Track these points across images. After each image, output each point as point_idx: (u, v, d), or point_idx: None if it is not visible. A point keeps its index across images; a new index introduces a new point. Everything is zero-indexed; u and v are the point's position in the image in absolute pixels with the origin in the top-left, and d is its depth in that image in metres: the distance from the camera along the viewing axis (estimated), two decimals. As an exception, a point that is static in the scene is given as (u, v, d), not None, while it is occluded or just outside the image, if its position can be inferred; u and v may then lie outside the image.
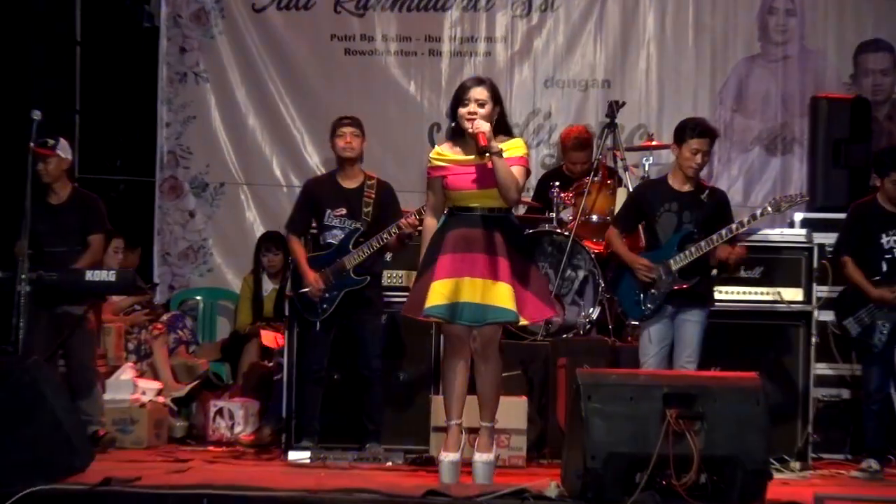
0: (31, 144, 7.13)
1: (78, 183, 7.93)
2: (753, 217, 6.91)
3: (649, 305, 6.97)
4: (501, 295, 5.90)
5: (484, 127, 5.91)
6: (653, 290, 6.95)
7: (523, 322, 6.08)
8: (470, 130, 5.94)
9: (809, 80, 9.88)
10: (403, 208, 7.40)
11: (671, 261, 6.92)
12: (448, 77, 9.93)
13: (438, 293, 5.93)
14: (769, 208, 6.95)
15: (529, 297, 5.99)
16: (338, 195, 7.36)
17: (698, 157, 6.91)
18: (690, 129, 6.94)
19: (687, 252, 6.91)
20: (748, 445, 5.45)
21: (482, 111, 5.97)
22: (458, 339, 6.02)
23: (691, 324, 6.95)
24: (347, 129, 7.35)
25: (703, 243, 6.89)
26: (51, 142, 7.44)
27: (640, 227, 7.19)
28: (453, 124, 6.09)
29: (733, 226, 6.89)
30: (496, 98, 6.06)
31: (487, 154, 5.88)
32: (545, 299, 6.09)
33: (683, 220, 6.97)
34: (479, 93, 6.01)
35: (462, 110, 5.99)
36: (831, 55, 9.92)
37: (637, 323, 7.08)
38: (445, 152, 6.11)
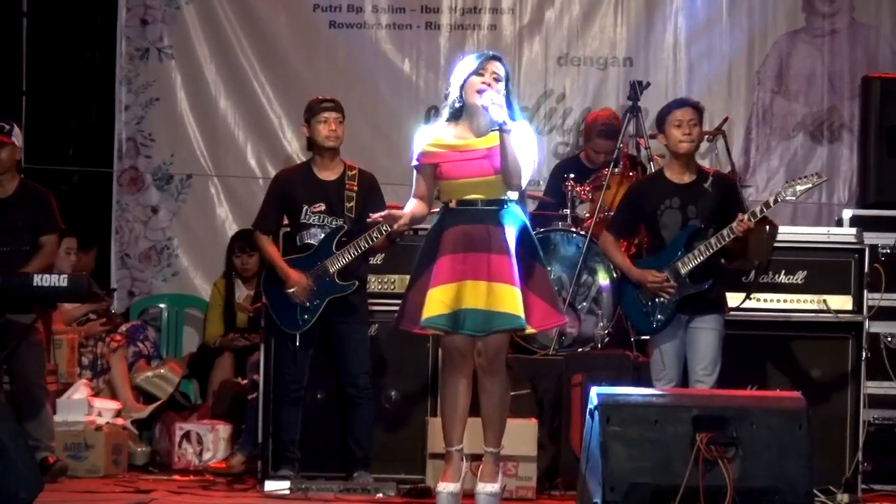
0: None
1: (23, 174, 7.93)
2: (767, 205, 6.87)
3: (660, 316, 6.97)
4: (507, 299, 5.88)
5: (498, 99, 5.92)
6: (662, 298, 6.96)
7: (530, 330, 6.07)
8: (479, 102, 5.95)
9: (860, 57, 9.89)
10: (393, 202, 7.40)
11: (679, 263, 6.93)
12: (447, 54, 9.94)
13: (438, 301, 5.91)
14: (784, 194, 6.93)
15: (537, 303, 5.98)
16: (315, 189, 7.36)
17: (685, 128, 6.93)
18: (667, 106, 7.04)
19: (696, 251, 6.90)
20: (789, 475, 5.47)
21: (497, 85, 6.00)
22: (459, 352, 6.01)
23: (705, 331, 6.93)
24: (332, 115, 7.34)
25: (713, 240, 6.86)
26: (6, 127, 7.48)
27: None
28: (457, 102, 6.08)
29: (744, 217, 6.86)
30: (508, 78, 6.10)
31: (498, 130, 5.88)
32: (554, 305, 6.08)
33: (688, 216, 6.96)
34: (498, 67, 6.05)
35: (475, 79, 6.00)
36: (886, 29, 9.94)
37: (648, 338, 7.09)
38: (440, 135, 6.11)
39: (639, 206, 7.10)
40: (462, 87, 6.05)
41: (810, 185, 6.95)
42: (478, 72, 6.01)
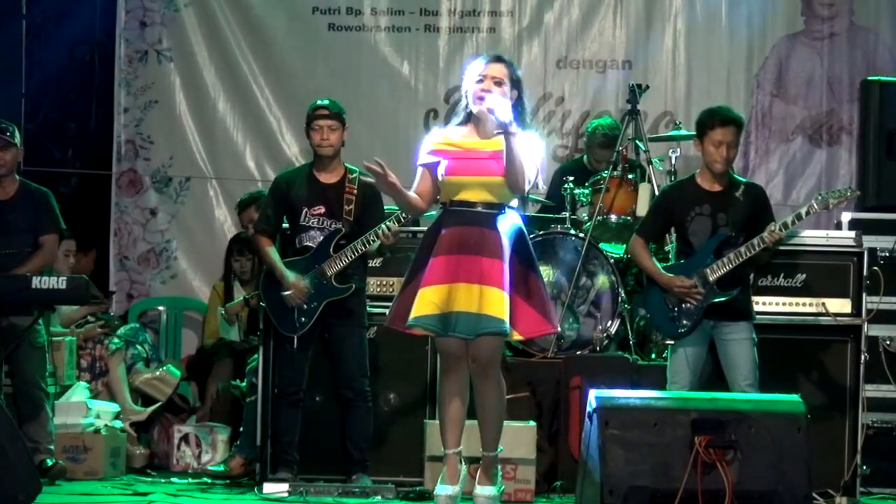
0: None
1: (21, 176, 7.93)
2: (799, 217, 6.91)
3: (685, 322, 6.98)
4: (495, 303, 5.87)
5: (499, 101, 5.92)
6: (688, 304, 6.96)
7: (517, 337, 6.05)
8: (480, 107, 5.95)
9: (859, 61, 9.91)
10: (393, 205, 7.41)
11: (707, 270, 6.94)
12: (446, 56, 9.96)
13: (427, 301, 5.91)
14: (816, 206, 6.95)
15: (527, 310, 5.97)
16: (315, 191, 7.36)
17: (723, 150, 6.94)
18: (710, 118, 6.99)
19: (725, 259, 6.92)
20: (788, 478, 5.47)
21: (497, 90, 6.00)
22: (454, 355, 6.02)
23: (739, 342, 6.95)
24: (324, 123, 7.32)
25: (742, 249, 6.89)
26: (9, 129, 7.52)
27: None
28: (465, 109, 6.09)
29: (775, 227, 6.89)
30: (515, 82, 6.09)
31: (503, 133, 5.87)
32: (546, 313, 6.06)
33: (718, 223, 6.99)
34: (497, 70, 6.04)
35: (475, 87, 6.01)
36: (885, 32, 9.95)
37: (672, 342, 7.09)
38: (450, 135, 6.12)
39: (669, 212, 7.12)
40: (466, 94, 6.07)
41: (843, 199, 6.98)
42: (478, 80, 6.02)
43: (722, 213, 6.99)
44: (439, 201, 6.15)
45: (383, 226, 7.12)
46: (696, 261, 7.00)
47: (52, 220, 7.59)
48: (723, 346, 7.00)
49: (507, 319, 5.86)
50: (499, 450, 6.15)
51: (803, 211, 6.94)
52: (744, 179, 7.29)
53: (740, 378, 6.90)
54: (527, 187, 6.04)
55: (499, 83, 6.02)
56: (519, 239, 6.07)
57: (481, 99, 5.97)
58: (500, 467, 6.23)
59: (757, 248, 6.89)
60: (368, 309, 7.45)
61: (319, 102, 7.40)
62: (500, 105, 5.90)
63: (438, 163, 6.07)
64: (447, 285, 5.91)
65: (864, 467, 7.44)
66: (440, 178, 6.07)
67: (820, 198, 6.99)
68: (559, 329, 7.55)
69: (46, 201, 7.61)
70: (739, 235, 6.97)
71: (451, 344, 5.98)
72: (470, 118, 6.10)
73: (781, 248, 7.37)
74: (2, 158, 7.49)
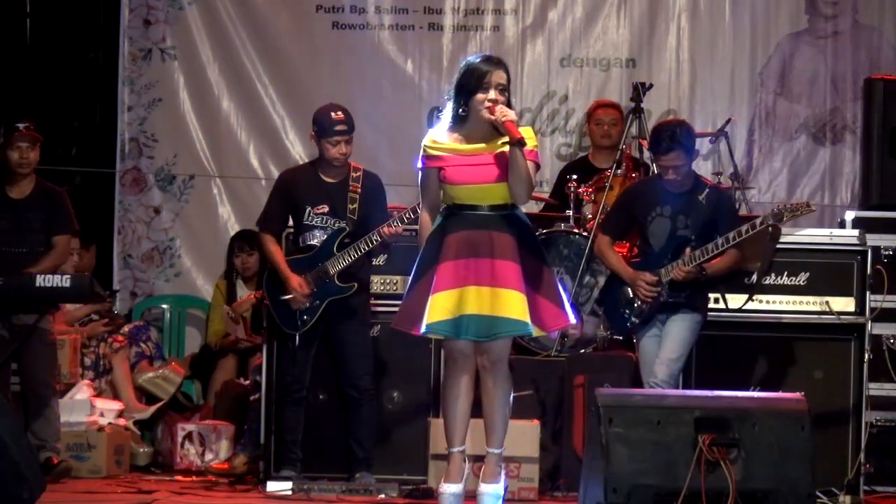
0: (22, 126, 7.38)
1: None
2: (753, 227, 6.94)
3: (634, 319, 7.07)
4: (512, 305, 5.90)
5: (512, 115, 5.92)
6: (638, 302, 7.02)
7: (538, 333, 6.10)
8: (493, 118, 5.93)
9: (863, 59, 9.90)
10: (396, 204, 7.41)
11: (662, 271, 7.02)
12: (450, 54, 9.95)
13: (440, 307, 5.92)
14: (770, 219, 6.97)
15: (544, 305, 6.00)
16: (319, 190, 7.35)
17: (671, 173, 7.01)
18: (656, 146, 7.03)
19: (680, 262, 6.98)
20: (792, 477, 5.47)
21: (503, 98, 6.00)
22: (462, 354, 6.03)
23: (676, 322, 7.03)
24: (343, 139, 7.23)
25: (697, 252, 6.96)
26: (34, 128, 7.56)
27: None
28: (461, 110, 6.07)
29: (730, 236, 6.91)
30: (510, 82, 6.10)
31: (516, 145, 5.87)
32: (561, 306, 6.09)
33: (678, 226, 7.05)
34: (501, 77, 6.03)
35: (481, 96, 5.99)
36: (888, 31, 9.94)
37: (620, 337, 7.15)
38: (442, 140, 6.11)
39: (631, 210, 7.20)
40: (466, 98, 6.03)
41: (797, 213, 6.99)
42: (483, 88, 5.99)
43: (682, 215, 7.05)
44: (443, 202, 6.14)
45: (388, 226, 7.12)
46: (653, 261, 7.07)
47: (65, 221, 7.61)
48: (663, 330, 7.08)
49: (528, 320, 5.90)
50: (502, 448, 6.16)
51: (758, 222, 6.95)
52: (709, 184, 7.29)
53: (665, 351, 6.97)
54: (528, 198, 6.08)
55: (503, 90, 6.02)
56: (527, 237, 6.08)
57: (490, 109, 5.95)
58: (503, 465, 6.24)
59: (710, 253, 6.95)
60: (372, 307, 7.45)
61: (335, 116, 7.25)
62: (512, 118, 5.90)
63: (437, 168, 6.07)
64: (457, 290, 5.92)
65: (868, 466, 7.45)
66: (441, 183, 6.08)
67: (775, 211, 6.99)
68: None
69: (61, 201, 7.63)
70: (698, 239, 7.01)
71: (461, 343, 5.99)
72: (465, 121, 6.08)
73: (785, 246, 7.40)
74: (28, 157, 7.52)
